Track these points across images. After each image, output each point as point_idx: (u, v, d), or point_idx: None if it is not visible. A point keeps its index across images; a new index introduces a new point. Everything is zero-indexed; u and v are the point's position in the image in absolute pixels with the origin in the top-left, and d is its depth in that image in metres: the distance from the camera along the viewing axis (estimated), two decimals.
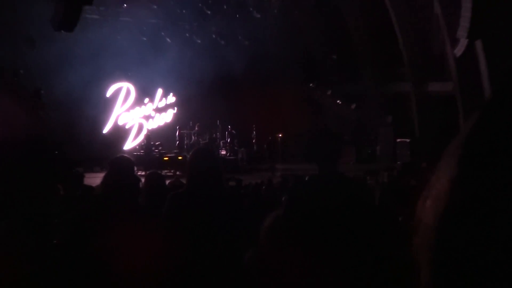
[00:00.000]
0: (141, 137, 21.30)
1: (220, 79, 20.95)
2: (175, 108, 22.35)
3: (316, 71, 24.44)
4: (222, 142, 22.01)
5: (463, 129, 0.60)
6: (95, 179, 8.90)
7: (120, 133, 21.18)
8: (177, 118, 22.18)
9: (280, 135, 22.86)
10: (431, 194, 0.58)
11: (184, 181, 4.75)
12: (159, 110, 21.99)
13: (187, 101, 21.20)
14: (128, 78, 21.37)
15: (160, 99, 22.09)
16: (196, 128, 21.31)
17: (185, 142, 21.26)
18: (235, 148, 21.97)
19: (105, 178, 3.83)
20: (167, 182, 5.98)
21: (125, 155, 4.18)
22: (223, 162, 10.20)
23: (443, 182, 0.56)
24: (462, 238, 0.52)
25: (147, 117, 21.71)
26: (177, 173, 17.42)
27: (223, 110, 21.51)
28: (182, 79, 20.08)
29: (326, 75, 24.34)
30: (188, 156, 3.86)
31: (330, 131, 3.63)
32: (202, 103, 20.88)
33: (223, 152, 21.47)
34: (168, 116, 22.25)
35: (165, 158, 19.59)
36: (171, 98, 22.33)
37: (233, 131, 21.97)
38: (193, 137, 21.31)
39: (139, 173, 16.92)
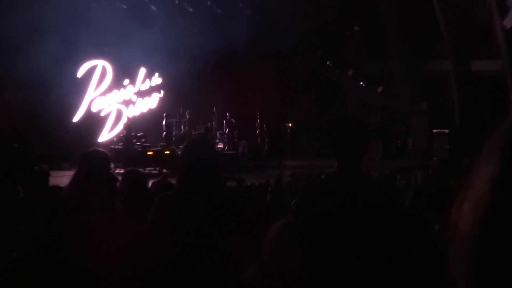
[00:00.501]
0: (119, 127, 21.38)
1: (217, 56, 20.96)
2: (162, 92, 22.43)
3: (334, 46, 24.34)
4: (219, 133, 22.06)
5: (509, 118, 0.58)
6: (63, 178, 8.91)
7: (94, 122, 21.24)
8: (164, 104, 22.26)
9: (289, 125, 23.00)
10: (469, 196, 0.56)
11: (173, 181, 4.74)
12: (142, 93, 22.06)
13: (177, 83, 21.17)
14: (104, 54, 21.40)
15: (143, 81, 22.15)
16: (187, 116, 21.39)
17: (174, 133, 21.32)
18: (235, 140, 22.05)
19: (74, 177, 3.83)
20: (151, 182, 5.97)
21: (99, 149, 4.24)
22: (221, 158, 10.20)
23: (483, 181, 0.54)
24: (504, 249, 0.50)
25: (127, 103, 21.78)
26: (164, 170, 17.59)
27: (220, 94, 21.53)
28: (171, 56, 20.12)
29: (347, 51, 24.27)
30: (178, 150, 3.86)
31: (353, 119, 3.61)
32: (194, 85, 20.99)
33: (220, 146, 21.68)
34: (153, 101, 22.31)
35: (149, 153, 19.73)
36: (157, 79, 22.37)
37: (232, 119, 22.04)
38: (183, 127, 21.43)
39: (116, 171, 16.94)
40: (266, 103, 21.86)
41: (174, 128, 21.48)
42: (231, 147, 21.79)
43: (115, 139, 21.19)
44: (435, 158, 19.43)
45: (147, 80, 22.32)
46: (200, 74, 21.15)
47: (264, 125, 22.73)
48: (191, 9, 22.08)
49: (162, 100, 22.49)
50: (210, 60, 21.08)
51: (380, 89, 24.43)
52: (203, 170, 3.61)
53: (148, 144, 20.48)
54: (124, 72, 21.80)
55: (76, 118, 21.34)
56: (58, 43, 18.20)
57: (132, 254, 3.35)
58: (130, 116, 21.62)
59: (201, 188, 3.59)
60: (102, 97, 21.63)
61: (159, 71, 22.17)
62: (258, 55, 22.69)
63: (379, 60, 24.26)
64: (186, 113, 21.44)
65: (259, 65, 22.72)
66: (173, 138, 21.18)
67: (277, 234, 3.28)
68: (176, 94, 21.72)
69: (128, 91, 21.96)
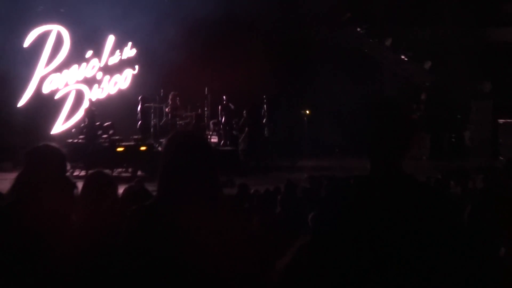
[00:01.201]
0: (79, 115, 21.48)
1: (209, 21, 21.00)
2: (136, 67, 22.62)
3: (367, 8, 24.30)
4: (213, 123, 22.25)
5: None
6: (3, 182, 8.91)
7: (45, 108, 21.34)
8: (139, 84, 22.48)
9: (306, 113, 23.09)
10: None
11: (151, 187, 4.74)
12: (109, 69, 22.17)
13: (156, 56, 21.37)
14: (59, 17, 21.49)
15: (112, 52, 22.27)
16: (170, 100, 21.51)
17: (153, 122, 21.40)
18: (234, 133, 22.26)
19: (18, 180, 3.83)
20: (122, 188, 5.97)
21: (52, 144, 4.11)
22: (217, 156, 10.39)
23: None
24: None
25: (90, 82, 21.85)
26: (139, 173, 17.84)
27: (214, 72, 21.68)
28: (148, 22, 20.18)
29: (383, 14, 24.19)
30: (158, 145, 3.79)
31: (391, 105, 3.57)
32: (180, 59, 21.10)
33: (215, 139, 21.95)
34: (124, 80, 22.43)
35: (119, 149, 19.76)
36: (130, 51, 22.51)
37: (230, 105, 22.14)
38: (165, 114, 21.49)
39: (75, 174, 17.09)
40: (276, 83, 21.97)
41: (152, 116, 21.47)
42: (228, 142, 21.92)
43: (73, 130, 21.26)
44: (501, 157, 19.42)
45: (117, 51, 22.40)
46: (187, 44, 21.23)
47: (264, 109, 22.83)
48: None
49: (136, 79, 22.61)
50: (201, 26, 21.17)
51: (428, 64, 24.50)
52: (193, 173, 3.55)
53: (117, 138, 20.50)
54: (86, 41, 21.83)
55: (21, 103, 21.39)
56: None
57: (95, 281, 3.31)
58: (94, 99, 21.57)
59: (190, 197, 3.51)
60: (57, 74, 21.68)
61: (132, 40, 22.28)
62: (265, 19, 22.59)
63: (427, 26, 24.25)
64: (170, 96, 21.47)
65: (266, 33, 22.83)
66: (152, 130, 21.23)
67: (292, 260, 3.26)
68: (156, 70, 21.72)
69: (92, 66, 22.04)
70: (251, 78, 21.97)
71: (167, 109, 21.47)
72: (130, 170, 18.87)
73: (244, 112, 22.15)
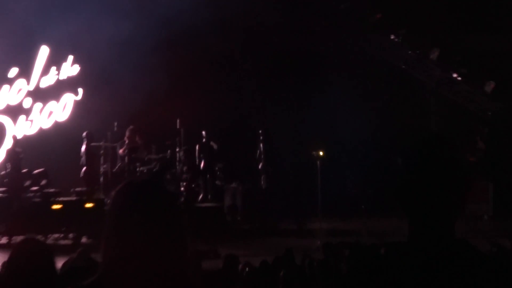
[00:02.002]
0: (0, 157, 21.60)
1: (185, 25, 20.97)
2: (80, 92, 22.82)
3: (405, 8, 24.36)
4: (186, 170, 22.24)
5: None
6: None
7: None
8: (83, 114, 22.61)
9: (320, 154, 22.68)
10: None
11: (98, 257, 4.46)
12: (42, 94, 22.29)
13: (107, 75, 21.64)
14: None
15: (45, 70, 22.35)
16: (126, 138, 21.73)
17: (102, 169, 21.64)
18: (218, 183, 22.50)
19: None
20: (61, 263, 5.97)
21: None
22: (190, 215, 10.34)
23: None
24: None
25: (15, 111, 22.00)
26: (83, 240, 17.93)
27: (189, 99, 21.92)
28: (96, 26, 20.50)
29: (427, 18, 24.25)
30: (109, 200, 3.75)
31: (439, 144, 3.58)
32: (140, 81, 21.51)
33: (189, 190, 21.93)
34: (63, 110, 22.56)
35: (56, 206, 19.74)
36: (71, 68, 22.63)
37: (212, 143, 22.26)
38: (120, 157, 21.70)
39: None
40: (275, 113, 22.31)
41: (102, 160, 21.69)
42: (210, 196, 22.07)
43: None
44: None
45: (53, 69, 22.51)
46: (152, 59, 21.36)
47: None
48: None
49: (80, 107, 22.79)
50: (173, 32, 21.32)
51: (489, 86, 24.44)
52: (151, 241, 3.46)
53: (53, 190, 20.47)
54: (9, 55, 21.94)
55: None
56: None
57: None
58: (20, 136, 21.64)
59: (145, 275, 3.44)
60: None
61: (75, 53, 22.52)
62: (261, 25, 22.73)
63: (487, 35, 24.40)
64: (126, 133, 21.70)
65: (261, 43, 23.12)
66: (101, 179, 21.42)
67: None
68: (107, 96, 21.98)
69: (17, 89, 22.18)
70: (241, 106, 22.52)
71: (121, 151, 21.69)
72: (71, 236, 18.86)
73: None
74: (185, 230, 3.56)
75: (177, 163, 22.01)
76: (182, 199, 20.46)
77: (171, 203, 3.58)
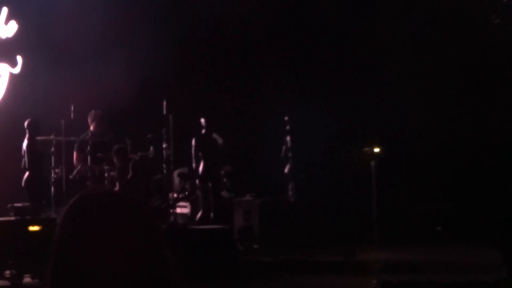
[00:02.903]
0: None
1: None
2: (19, 61, 21.71)
3: None
4: (179, 175, 21.98)
5: None
6: None
7: None
8: (25, 93, 21.63)
9: (374, 152, 21.81)
10: None
11: None
12: None
13: (59, 37, 21.24)
14: None
15: None
16: (91, 128, 20.65)
17: (53, 173, 20.28)
18: (224, 194, 21.63)
19: None
20: None
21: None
22: (183, 242, 11.96)
23: None
24: None
25: None
26: (26, 280, 17.15)
27: (178, 72, 21.95)
28: None
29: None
30: (59, 220, 3.41)
31: None
32: (109, 45, 21.26)
33: (184, 211, 21.55)
34: None
35: None
36: (6, 28, 21.76)
37: (215, 135, 21.32)
38: (77, 160, 20.76)
39: None
40: (305, 93, 21.72)
41: (53, 160, 20.23)
42: (213, 213, 20.99)
43: None
44: None
45: None
46: (124, 13, 21.32)
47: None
48: None
49: (19, 83, 21.67)
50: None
51: None
52: (112, 272, 3.19)
53: None
54: None
55: None
56: None
57: None
58: None
59: None
60: None
61: (11, 5, 21.61)
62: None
63: None
64: (88, 119, 20.74)
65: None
66: (52, 189, 20.06)
67: None
68: (60, 67, 21.36)
69: None
70: (255, 82, 22.12)
71: (85, 146, 20.42)
72: (7, 274, 17.35)
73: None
74: (162, 255, 3.36)
75: (163, 165, 20.41)
76: (171, 219, 19.22)
77: (142, 221, 3.44)
